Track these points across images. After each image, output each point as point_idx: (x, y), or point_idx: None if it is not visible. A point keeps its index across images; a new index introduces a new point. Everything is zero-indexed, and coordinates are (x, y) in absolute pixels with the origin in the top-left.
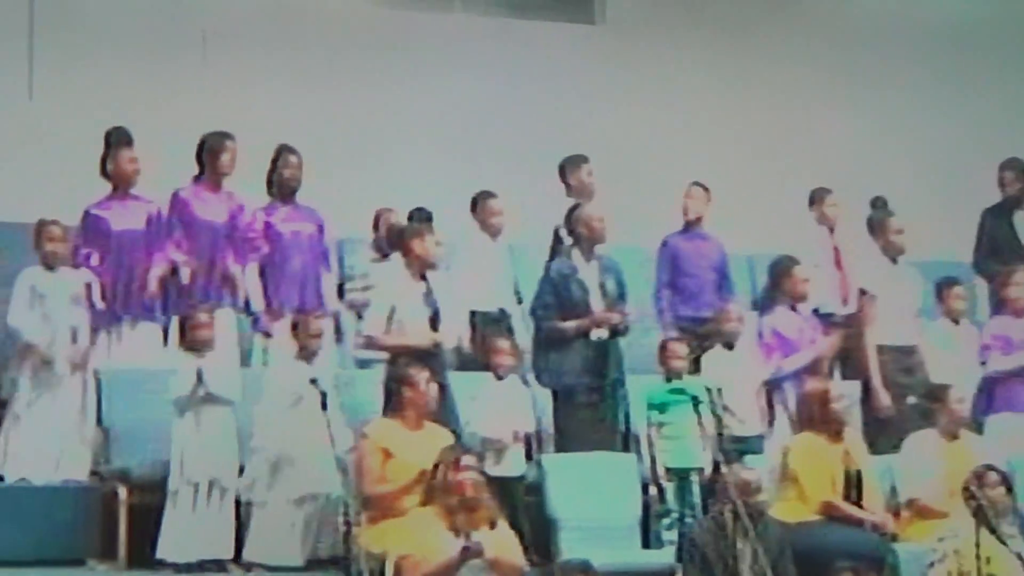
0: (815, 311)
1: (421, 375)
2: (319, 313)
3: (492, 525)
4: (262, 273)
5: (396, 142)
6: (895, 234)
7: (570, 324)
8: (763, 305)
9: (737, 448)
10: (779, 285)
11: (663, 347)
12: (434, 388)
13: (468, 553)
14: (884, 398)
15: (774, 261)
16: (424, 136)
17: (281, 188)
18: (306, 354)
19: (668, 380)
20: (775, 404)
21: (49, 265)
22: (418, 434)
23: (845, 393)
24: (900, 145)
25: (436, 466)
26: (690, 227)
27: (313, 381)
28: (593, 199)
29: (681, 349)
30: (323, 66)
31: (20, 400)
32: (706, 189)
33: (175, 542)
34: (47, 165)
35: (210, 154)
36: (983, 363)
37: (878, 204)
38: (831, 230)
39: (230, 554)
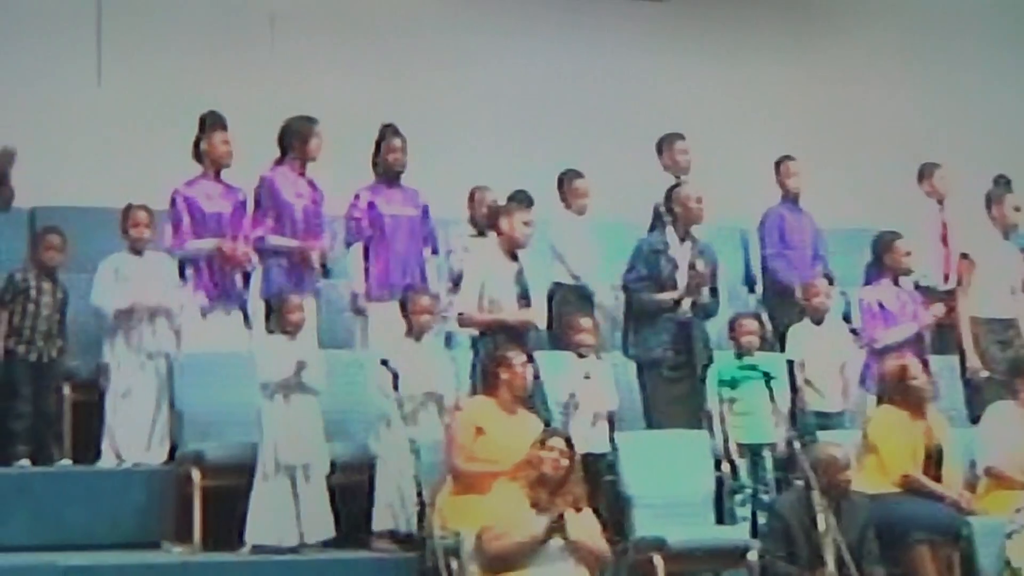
0: (916, 284)
1: (518, 357)
2: (426, 292)
3: (578, 508)
4: (365, 255)
5: (471, 121)
6: (1012, 211)
7: (657, 296)
8: (866, 279)
9: (819, 423)
10: (882, 259)
11: (733, 323)
12: (530, 371)
13: (554, 529)
14: (977, 365)
15: (877, 236)
16: (492, 114)
17: (387, 171)
18: (416, 332)
19: (739, 356)
20: (866, 378)
21: (136, 250)
22: (512, 418)
23: (931, 369)
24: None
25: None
26: (789, 200)
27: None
28: (689, 175)
29: (752, 325)
30: (391, 48)
31: (113, 386)
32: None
33: (267, 526)
34: (116, 151)
35: (297, 139)
36: None
37: (1000, 181)
38: (940, 203)
39: (331, 534)
